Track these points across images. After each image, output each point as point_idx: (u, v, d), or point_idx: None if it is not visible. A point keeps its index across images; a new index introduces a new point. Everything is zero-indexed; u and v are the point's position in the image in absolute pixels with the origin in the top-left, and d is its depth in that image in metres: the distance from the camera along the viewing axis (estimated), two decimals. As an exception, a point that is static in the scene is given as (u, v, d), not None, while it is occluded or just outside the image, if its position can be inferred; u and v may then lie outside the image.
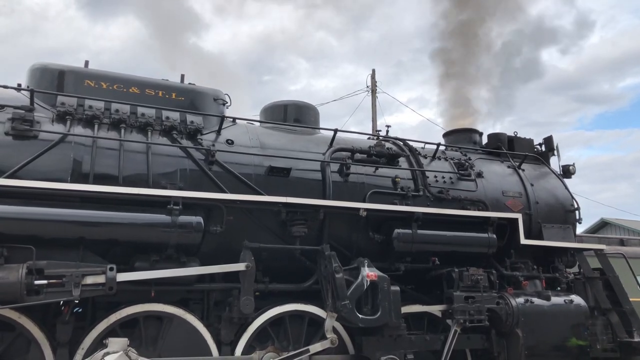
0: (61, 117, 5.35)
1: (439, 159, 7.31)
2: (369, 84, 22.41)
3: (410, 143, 7.34)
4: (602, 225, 25.50)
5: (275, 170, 5.98)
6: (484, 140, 8.41)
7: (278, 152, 6.17)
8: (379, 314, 5.54)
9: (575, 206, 7.80)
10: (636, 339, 6.91)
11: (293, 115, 7.08)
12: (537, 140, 8.51)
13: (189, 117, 5.93)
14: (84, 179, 5.10)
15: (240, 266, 5.29)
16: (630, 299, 7.32)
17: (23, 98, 5.38)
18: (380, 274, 5.70)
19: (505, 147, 8.11)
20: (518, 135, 8.33)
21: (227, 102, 6.54)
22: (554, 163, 8.31)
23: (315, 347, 5.39)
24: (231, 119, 6.40)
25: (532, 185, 7.62)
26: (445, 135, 8.66)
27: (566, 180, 8.12)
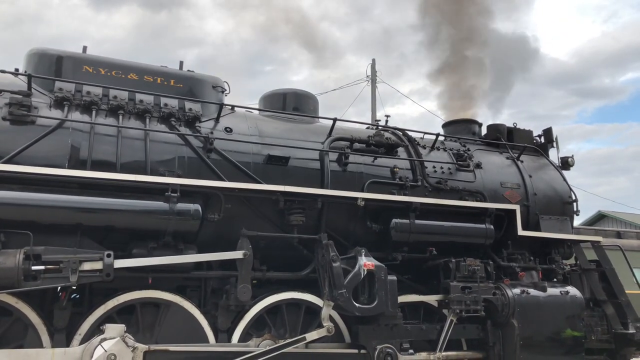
0: (59, 103, 5.33)
1: (438, 149, 7.30)
2: (370, 73, 22.32)
3: (410, 133, 7.32)
4: (600, 217, 25.58)
5: (273, 158, 5.97)
6: (484, 131, 8.39)
7: (277, 141, 6.15)
8: (375, 303, 5.56)
9: (573, 198, 7.80)
10: (631, 331, 6.96)
11: (292, 104, 7.06)
12: (537, 132, 8.51)
13: (188, 105, 5.91)
14: (81, 165, 5.09)
15: (237, 254, 5.30)
16: (626, 291, 7.36)
17: (20, 83, 5.35)
18: (378, 263, 5.71)
19: (505, 139, 8.09)
20: (517, 127, 8.32)
21: (226, 90, 6.51)
22: (553, 155, 8.31)
23: (312, 335, 5.41)
24: (230, 107, 6.38)
25: (530, 176, 7.62)
26: (444, 125, 8.63)
27: (565, 173, 8.11)
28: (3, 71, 5.33)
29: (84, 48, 5.99)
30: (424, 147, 7.18)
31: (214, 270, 5.57)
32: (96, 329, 4.80)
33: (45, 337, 4.70)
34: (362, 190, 6.24)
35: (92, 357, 4.53)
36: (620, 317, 7.08)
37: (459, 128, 8.28)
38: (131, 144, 5.41)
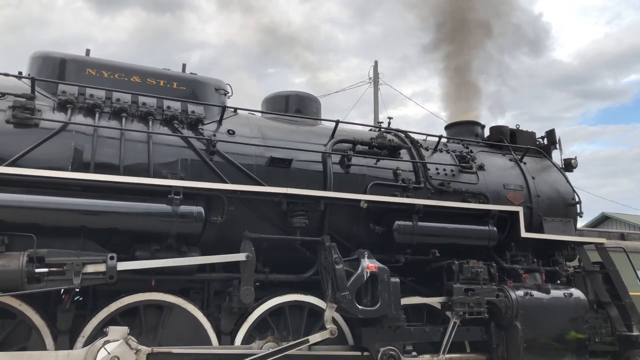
0: (62, 106, 5.35)
1: (441, 151, 7.29)
2: (372, 75, 22.32)
3: (412, 135, 7.32)
4: (603, 219, 25.46)
5: (276, 161, 5.97)
6: (486, 132, 8.39)
7: (279, 143, 6.16)
8: (378, 305, 5.55)
9: (577, 200, 7.79)
10: (635, 333, 6.94)
11: (295, 106, 7.07)
12: (540, 133, 8.50)
13: (190, 107, 5.92)
14: (85, 168, 5.10)
15: (240, 256, 5.30)
16: (630, 293, 7.33)
17: (24, 86, 5.37)
18: (380, 265, 5.70)
19: (507, 140, 8.09)
20: (520, 129, 8.31)
21: (228, 92, 6.53)
22: (556, 157, 8.30)
23: (315, 338, 5.41)
24: (232, 109, 6.39)
25: (533, 178, 7.60)
26: (447, 127, 8.63)
27: (568, 174, 8.10)
28: (6, 74, 5.34)
29: (87, 51, 6.01)
30: (426, 149, 7.18)
31: (217, 273, 5.57)
32: (99, 332, 4.80)
33: (48, 340, 4.71)
34: (364, 192, 6.24)
35: (95, 359, 4.54)
36: (624, 319, 7.06)
37: (462, 130, 8.28)
38: (134, 147, 5.42)
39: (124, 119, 5.50)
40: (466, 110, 9.16)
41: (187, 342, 5.09)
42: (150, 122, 5.62)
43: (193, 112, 5.89)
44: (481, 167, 7.35)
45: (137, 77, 5.92)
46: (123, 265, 4.79)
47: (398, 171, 6.65)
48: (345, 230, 6.18)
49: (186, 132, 5.75)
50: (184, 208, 5.10)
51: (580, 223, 8.90)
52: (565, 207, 7.69)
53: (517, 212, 6.84)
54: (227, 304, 5.39)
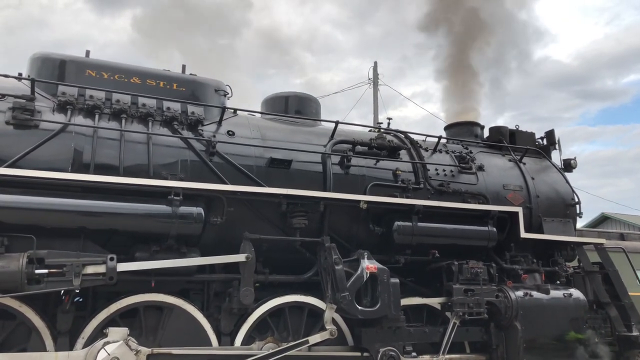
0: (62, 107, 5.35)
1: (440, 151, 7.30)
2: (372, 76, 22.30)
3: (412, 136, 7.32)
4: (603, 219, 25.46)
5: (276, 161, 5.98)
6: (486, 133, 8.40)
7: (279, 144, 6.16)
8: (378, 305, 5.56)
9: (576, 200, 7.80)
10: (635, 333, 6.95)
11: (294, 107, 7.08)
12: (539, 134, 8.51)
13: (190, 108, 5.92)
14: (84, 169, 5.10)
15: (240, 257, 5.30)
16: (630, 293, 7.34)
17: (24, 87, 5.38)
18: (380, 266, 5.71)
19: (507, 141, 8.09)
20: (520, 129, 8.32)
21: (228, 93, 6.53)
22: (556, 157, 8.31)
23: (315, 338, 5.41)
24: (232, 110, 6.39)
25: (533, 178, 7.61)
26: (446, 128, 8.64)
27: (567, 175, 8.11)
28: (6, 75, 5.35)
29: (87, 52, 6.02)
30: (426, 149, 7.18)
31: (217, 273, 5.57)
32: (99, 333, 4.81)
33: (48, 341, 4.71)
34: (364, 193, 6.25)
35: (95, 360, 4.54)
36: (624, 320, 7.08)
37: (461, 130, 8.29)
38: (134, 148, 5.42)
39: (123, 120, 5.51)
40: (465, 110, 9.16)
41: (187, 343, 5.09)
42: (150, 123, 5.62)
43: (193, 113, 5.89)
44: (481, 168, 7.36)
45: (137, 78, 5.92)
46: (123, 267, 4.80)
47: (398, 172, 6.65)
48: (345, 231, 6.19)
49: (186, 133, 5.75)
50: (183, 209, 5.10)
51: (580, 223, 8.91)
52: (565, 208, 7.70)
53: (516, 213, 6.85)
54: (227, 305, 5.40)
